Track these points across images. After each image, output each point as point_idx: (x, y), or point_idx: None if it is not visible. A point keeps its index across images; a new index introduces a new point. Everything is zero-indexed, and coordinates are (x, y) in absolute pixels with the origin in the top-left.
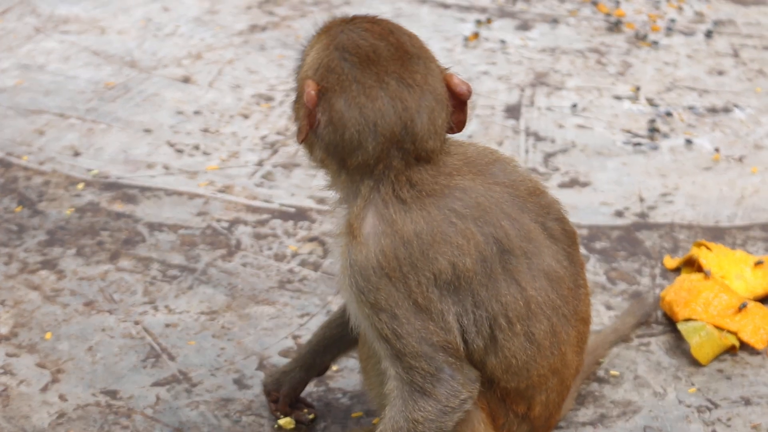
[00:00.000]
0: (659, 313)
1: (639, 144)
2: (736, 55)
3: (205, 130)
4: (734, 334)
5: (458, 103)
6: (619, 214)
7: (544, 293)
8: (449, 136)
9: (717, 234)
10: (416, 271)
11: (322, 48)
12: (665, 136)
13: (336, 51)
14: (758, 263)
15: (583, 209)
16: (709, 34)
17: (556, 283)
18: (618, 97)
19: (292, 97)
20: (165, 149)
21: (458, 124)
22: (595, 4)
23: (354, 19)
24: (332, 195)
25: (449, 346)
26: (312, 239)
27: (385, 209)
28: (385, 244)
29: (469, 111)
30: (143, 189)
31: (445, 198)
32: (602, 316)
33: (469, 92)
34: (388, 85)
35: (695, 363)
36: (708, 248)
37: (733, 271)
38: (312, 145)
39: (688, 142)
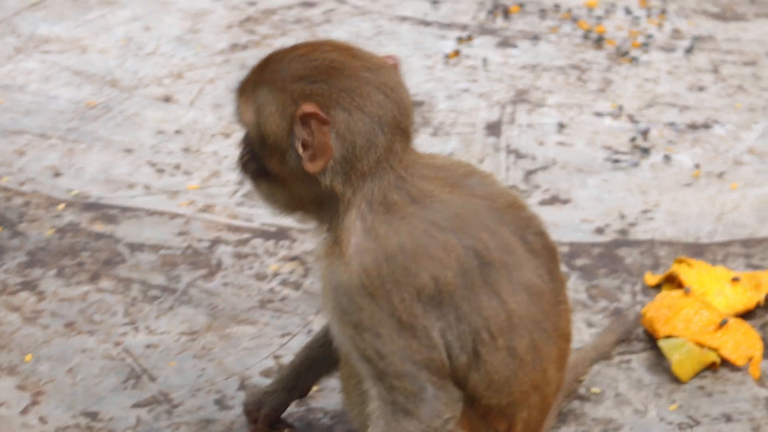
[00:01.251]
0: (640, 330)
1: (619, 161)
2: (716, 71)
3: (186, 150)
4: (715, 350)
5: None
6: (600, 231)
7: (525, 307)
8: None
9: (697, 250)
10: (399, 288)
11: (272, 93)
12: (646, 152)
13: (295, 83)
14: (735, 279)
15: (563, 226)
16: (689, 51)
17: (536, 298)
18: (599, 114)
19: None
20: (146, 169)
21: None
22: (575, 20)
23: (274, 58)
24: (314, 222)
25: (433, 364)
26: (293, 258)
27: (371, 221)
28: (369, 262)
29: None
30: (124, 209)
31: (426, 209)
32: (583, 333)
33: (397, 63)
34: (367, 79)
35: (676, 380)
36: (689, 265)
37: (713, 287)
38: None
39: (669, 158)
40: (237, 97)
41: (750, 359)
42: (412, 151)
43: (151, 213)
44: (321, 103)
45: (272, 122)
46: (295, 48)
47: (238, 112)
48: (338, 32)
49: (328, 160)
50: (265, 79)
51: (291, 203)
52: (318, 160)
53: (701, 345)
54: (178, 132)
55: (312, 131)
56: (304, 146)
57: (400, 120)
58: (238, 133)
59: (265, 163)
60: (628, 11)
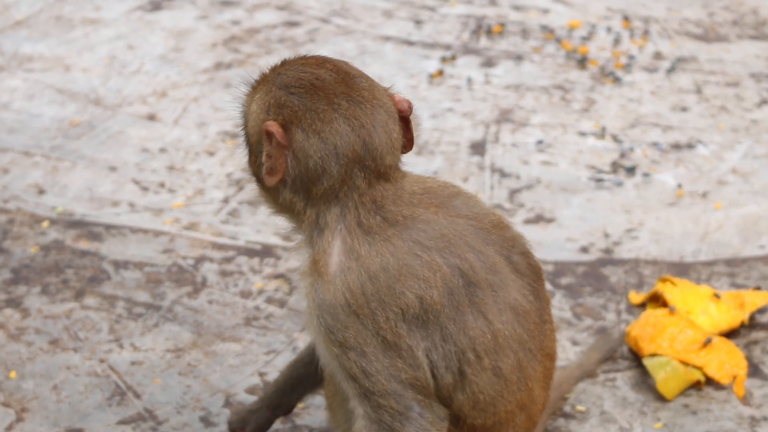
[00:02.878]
0: (625, 349)
1: (603, 180)
2: (699, 91)
3: (171, 168)
4: (700, 369)
5: (402, 120)
6: (585, 249)
7: (511, 327)
8: (403, 158)
9: (682, 269)
10: (384, 307)
11: (264, 93)
12: (630, 172)
13: (280, 90)
14: (716, 296)
15: (548, 245)
16: (672, 71)
17: (522, 318)
18: (582, 134)
19: (242, 150)
20: (130, 187)
21: (408, 142)
22: (558, 41)
23: (285, 62)
24: (296, 236)
25: (418, 383)
26: (278, 276)
27: (351, 242)
28: (352, 280)
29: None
30: (108, 227)
31: (409, 229)
32: (568, 351)
33: (410, 108)
34: (339, 106)
35: (661, 398)
36: (673, 283)
37: (698, 306)
38: (278, 186)
39: (652, 178)
40: (249, 89)
41: (734, 378)
42: (389, 186)
43: (136, 231)
44: (287, 118)
45: (251, 123)
46: (308, 58)
47: (244, 102)
48: (322, 51)
49: (282, 179)
50: (267, 78)
51: (270, 204)
52: (273, 176)
53: (686, 363)
54: (162, 150)
55: (272, 148)
56: (268, 156)
57: (362, 157)
58: (222, 152)
59: (247, 159)
60: (611, 32)
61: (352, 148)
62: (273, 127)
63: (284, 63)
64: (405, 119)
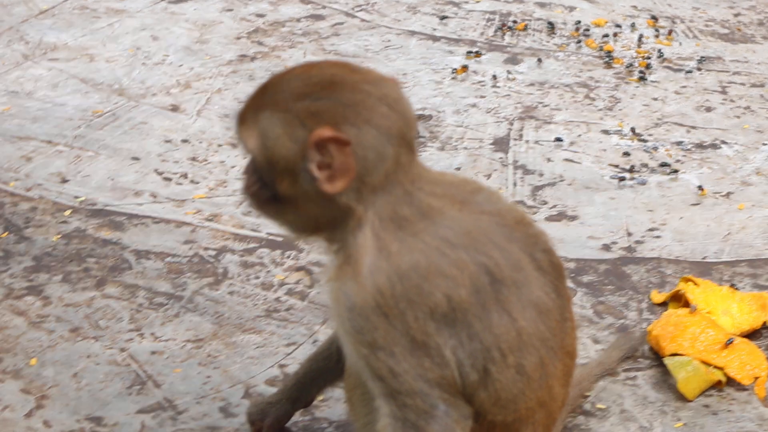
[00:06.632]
0: (646, 348)
1: (626, 179)
2: (723, 91)
3: (193, 159)
4: (721, 369)
5: None
6: (607, 248)
7: (534, 325)
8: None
9: (704, 269)
10: (413, 307)
11: (279, 114)
12: (653, 171)
13: (301, 101)
14: (732, 286)
15: (570, 243)
16: (697, 71)
17: (544, 315)
18: (606, 132)
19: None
20: (152, 177)
21: None
22: (583, 39)
23: (272, 81)
24: (325, 242)
25: (444, 381)
26: (299, 269)
27: (383, 239)
28: (383, 281)
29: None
30: (130, 216)
31: (436, 225)
32: (589, 349)
33: (395, 80)
34: (369, 92)
35: (682, 398)
36: (695, 283)
37: (719, 306)
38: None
39: (676, 177)
40: (237, 126)
41: (756, 379)
42: (418, 165)
43: (158, 221)
44: (330, 121)
45: (281, 145)
46: (291, 70)
47: (240, 140)
48: (346, 45)
49: (351, 179)
50: (265, 103)
51: (304, 225)
52: (338, 181)
53: (707, 364)
54: (185, 141)
55: (331, 154)
56: (320, 167)
57: (405, 132)
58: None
59: (275, 187)
60: (636, 30)
61: (397, 126)
62: (327, 132)
63: (272, 84)
64: None
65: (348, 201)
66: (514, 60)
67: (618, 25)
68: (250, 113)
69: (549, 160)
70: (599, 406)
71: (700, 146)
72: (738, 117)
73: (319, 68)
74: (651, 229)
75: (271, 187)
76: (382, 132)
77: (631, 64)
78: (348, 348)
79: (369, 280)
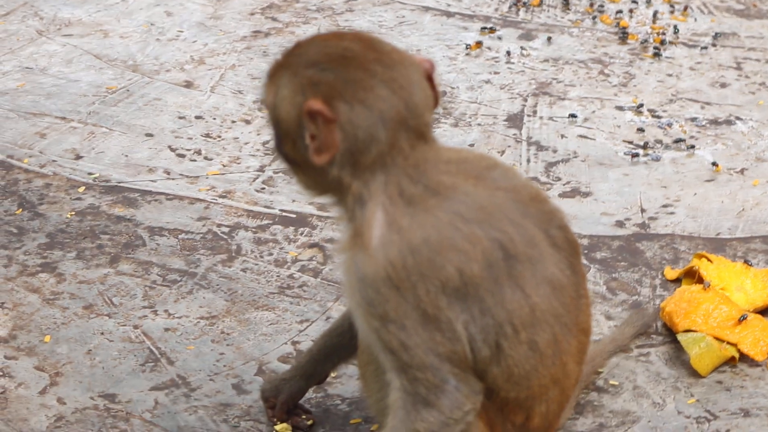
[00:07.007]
0: (659, 324)
1: (640, 155)
2: (738, 67)
3: (207, 135)
4: (734, 345)
5: (427, 79)
6: (620, 224)
7: (548, 301)
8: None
9: (718, 246)
10: (425, 280)
11: (290, 76)
12: (667, 147)
13: (309, 69)
14: (746, 262)
15: (584, 219)
16: (712, 47)
17: (558, 292)
18: (620, 108)
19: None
20: (166, 154)
21: (435, 99)
22: (598, 15)
23: (300, 44)
24: (338, 211)
25: (455, 356)
26: (312, 245)
27: (393, 214)
28: (394, 253)
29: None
30: (144, 193)
31: (449, 200)
32: (602, 326)
33: (433, 66)
34: (376, 72)
35: (695, 374)
36: (709, 260)
37: (733, 282)
38: (325, 165)
39: (690, 153)
40: (265, 78)
41: None
42: (427, 148)
43: (171, 197)
44: (326, 94)
45: (284, 108)
46: (320, 35)
47: (263, 93)
48: (360, 21)
49: (334, 154)
50: (287, 62)
51: (310, 187)
52: (323, 154)
53: (720, 340)
54: (198, 117)
55: (318, 126)
56: (312, 137)
57: (406, 117)
58: (259, 120)
59: (282, 147)
60: (651, 6)
61: (396, 110)
62: (317, 105)
63: (299, 45)
64: (429, 77)
65: (341, 174)
66: (528, 36)
67: (634, 1)
68: (275, 69)
69: (563, 136)
70: (612, 382)
71: (715, 122)
72: (753, 93)
73: (341, 39)
74: (665, 206)
75: (280, 146)
76: (374, 113)
77: (645, 40)
78: (359, 321)
79: (380, 252)
